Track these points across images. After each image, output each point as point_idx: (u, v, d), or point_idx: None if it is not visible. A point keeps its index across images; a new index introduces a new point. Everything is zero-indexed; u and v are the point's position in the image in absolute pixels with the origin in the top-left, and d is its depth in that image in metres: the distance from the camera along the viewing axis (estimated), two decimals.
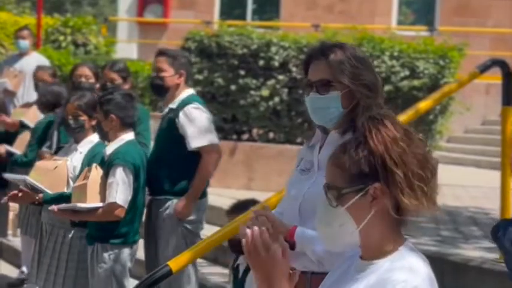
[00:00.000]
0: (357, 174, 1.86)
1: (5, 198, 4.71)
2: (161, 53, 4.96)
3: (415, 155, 1.87)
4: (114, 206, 4.29)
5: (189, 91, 4.93)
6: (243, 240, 1.85)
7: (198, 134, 4.73)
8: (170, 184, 4.76)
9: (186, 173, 4.74)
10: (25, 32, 8.91)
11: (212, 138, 4.81)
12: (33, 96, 7.65)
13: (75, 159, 4.59)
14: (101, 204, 4.29)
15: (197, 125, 4.74)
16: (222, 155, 4.99)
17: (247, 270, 3.90)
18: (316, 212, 1.97)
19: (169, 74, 4.84)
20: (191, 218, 4.76)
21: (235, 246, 4.06)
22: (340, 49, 2.67)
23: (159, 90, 4.90)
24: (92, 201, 4.27)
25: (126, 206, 4.32)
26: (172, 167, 4.75)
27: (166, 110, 4.88)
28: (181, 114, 4.75)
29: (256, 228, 1.84)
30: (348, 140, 1.93)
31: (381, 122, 1.88)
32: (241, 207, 4.02)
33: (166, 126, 4.82)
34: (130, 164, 4.34)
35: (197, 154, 4.76)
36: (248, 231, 1.84)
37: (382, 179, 1.85)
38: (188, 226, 4.74)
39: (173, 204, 4.75)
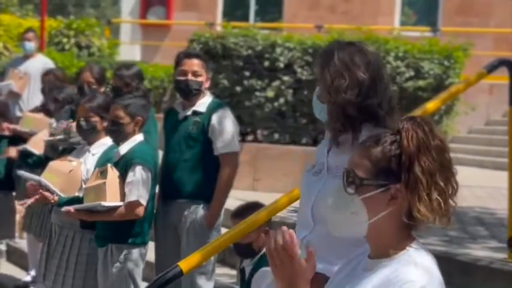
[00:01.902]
0: (383, 169, 1.87)
1: (24, 202, 4.67)
2: (196, 55, 4.88)
3: (442, 167, 1.88)
4: (135, 204, 4.29)
5: (209, 94, 4.89)
6: (266, 249, 1.85)
7: (227, 141, 4.71)
8: (195, 187, 4.72)
9: (211, 177, 4.72)
10: (31, 34, 8.93)
11: (238, 146, 4.81)
12: (38, 98, 7.66)
13: (88, 162, 4.60)
14: (121, 203, 4.29)
15: (228, 131, 4.72)
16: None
17: (253, 273, 3.91)
18: (328, 194, 1.98)
19: (204, 78, 4.80)
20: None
21: (239, 249, 4.08)
22: (337, 49, 2.73)
23: (193, 94, 4.78)
24: (112, 200, 4.26)
25: (145, 205, 4.33)
26: (198, 170, 4.72)
27: (189, 112, 4.81)
28: (214, 118, 4.72)
29: (279, 236, 1.82)
30: (382, 133, 1.94)
31: (420, 125, 1.89)
32: (245, 210, 4.03)
33: (194, 130, 4.76)
34: (149, 163, 4.36)
35: (219, 159, 4.76)
36: (272, 240, 1.82)
37: (404, 181, 1.85)
38: (215, 232, 4.75)
39: (200, 208, 4.74)
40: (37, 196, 4.46)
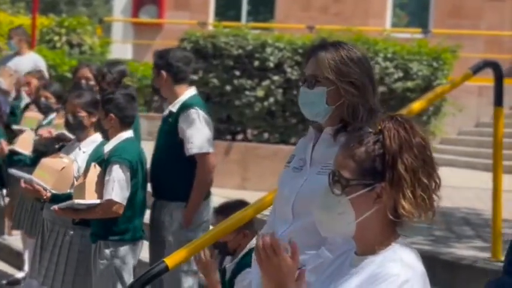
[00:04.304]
0: (369, 169, 1.90)
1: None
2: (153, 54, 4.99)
3: (424, 163, 1.91)
4: (110, 202, 4.34)
5: (189, 91, 4.88)
6: (255, 248, 1.88)
7: (197, 141, 4.71)
8: (172, 187, 4.75)
9: (187, 177, 4.73)
10: (13, 32, 8.99)
11: (210, 146, 4.78)
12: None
13: (79, 159, 4.63)
14: (98, 201, 4.34)
15: (197, 132, 4.71)
16: (216, 164, 4.95)
17: (234, 272, 3.92)
18: (317, 196, 2.00)
19: (155, 75, 4.87)
20: (195, 222, 4.79)
21: (215, 245, 4.12)
22: (333, 47, 2.71)
23: (157, 92, 4.94)
24: (90, 199, 4.32)
25: (124, 203, 4.36)
26: (173, 170, 4.75)
27: (167, 112, 4.85)
28: (181, 118, 4.72)
29: (267, 236, 1.87)
30: (364, 133, 1.97)
31: (401, 124, 1.92)
32: (229, 208, 4.03)
33: (167, 129, 4.81)
34: (127, 161, 4.38)
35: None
36: (260, 239, 1.87)
37: (388, 179, 1.89)
38: (191, 233, 4.73)
39: (177, 207, 4.75)
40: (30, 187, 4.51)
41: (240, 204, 4.03)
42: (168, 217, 4.77)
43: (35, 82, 6.82)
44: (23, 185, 4.58)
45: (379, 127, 1.94)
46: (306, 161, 2.75)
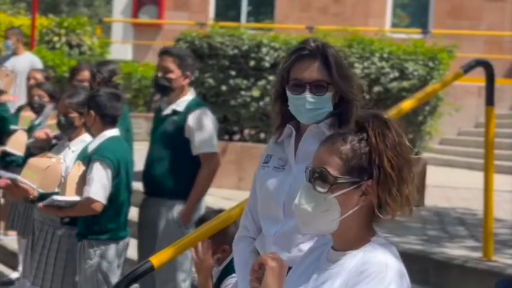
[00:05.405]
0: (355, 167, 1.92)
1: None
2: (168, 52, 4.87)
3: (406, 161, 1.94)
4: (89, 200, 4.35)
5: (191, 92, 4.90)
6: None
7: (205, 141, 4.73)
8: (173, 185, 4.75)
9: (188, 176, 4.74)
10: (8, 32, 9.00)
11: (216, 146, 4.81)
12: (24, 95, 7.67)
13: (68, 158, 4.64)
14: (77, 198, 4.35)
15: (205, 131, 4.73)
16: (220, 164, 4.96)
17: (220, 278, 3.91)
18: (297, 193, 1.99)
19: (176, 75, 4.78)
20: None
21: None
22: (330, 50, 2.70)
23: (165, 91, 4.83)
24: (69, 195, 4.33)
25: (103, 201, 4.36)
26: (175, 169, 4.74)
27: (169, 111, 4.83)
28: (190, 118, 4.73)
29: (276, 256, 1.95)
30: (346, 131, 1.97)
31: (385, 124, 1.94)
32: (208, 220, 4.00)
33: (172, 128, 4.79)
34: (108, 160, 4.39)
35: (199, 159, 4.77)
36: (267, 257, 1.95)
37: (375, 177, 1.91)
38: (186, 231, 4.73)
39: (176, 206, 4.75)
40: (9, 183, 4.51)
41: (219, 213, 4.01)
42: (165, 215, 4.76)
43: (40, 78, 6.82)
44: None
45: (362, 125, 1.94)
46: (287, 160, 2.73)
